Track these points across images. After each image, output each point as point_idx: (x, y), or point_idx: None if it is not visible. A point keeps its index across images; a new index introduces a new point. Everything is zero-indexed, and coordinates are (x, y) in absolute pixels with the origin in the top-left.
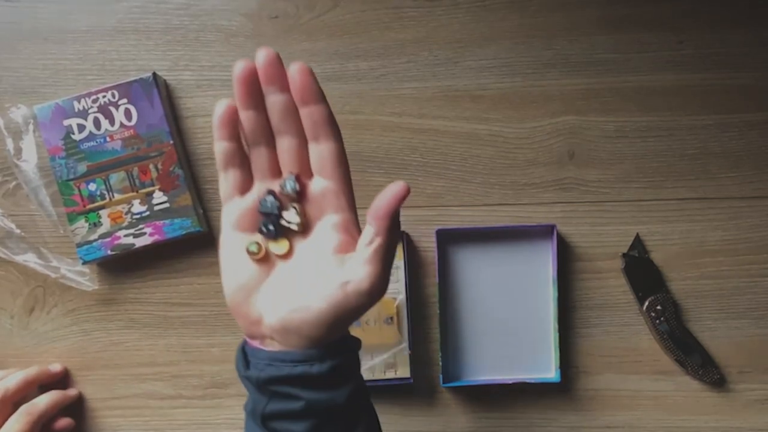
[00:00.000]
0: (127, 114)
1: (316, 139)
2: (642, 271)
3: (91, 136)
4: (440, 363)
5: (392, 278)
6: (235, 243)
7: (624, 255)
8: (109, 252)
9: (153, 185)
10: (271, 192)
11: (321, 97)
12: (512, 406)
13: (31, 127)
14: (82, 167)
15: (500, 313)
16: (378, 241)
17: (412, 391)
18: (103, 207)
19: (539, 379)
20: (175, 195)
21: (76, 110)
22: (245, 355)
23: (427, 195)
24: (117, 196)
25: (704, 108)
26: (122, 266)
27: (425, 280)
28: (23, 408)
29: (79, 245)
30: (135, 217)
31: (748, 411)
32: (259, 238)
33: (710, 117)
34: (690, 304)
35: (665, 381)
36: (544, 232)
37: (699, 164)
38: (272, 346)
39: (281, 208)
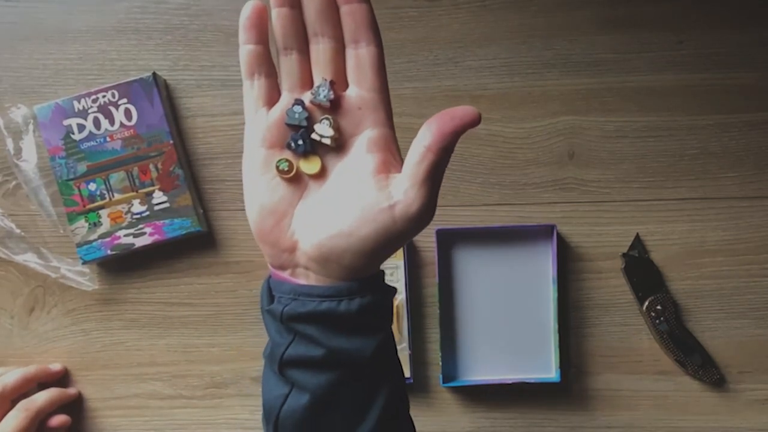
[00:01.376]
0: (127, 114)
1: (356, 43)
2: (642, 271)
3: (91, 136)
4: (440, 363)
5: (392, 278)
6: (262, 161)
7: (624, 255)
8: (109, 252)
9: (153, 185)
10: (299, 102)
11: None
12: (512, 406)
13: (31, 127)
14: (82, 167)
15: (500, 313)
16: (430, 158)
17: (411, 391)
18: (103, 207)
19: (539, 379)
20: (175, 195)
21: (76, 110)
22: (270, 289)
23: None
24: (117, 196)
25: (704, 108)
26: (122, 266)
27: (425, 280)
28: (21, 404)
29: (79, 245)
30: (135, 216)
31: (748, 411)
32: (288, 154)
33: (710, 117)
34: (690, 304)
35: (665, 381)
36: (544, 232)
37: (699, 164)
38: (303, 278)
39: (311, 120)
